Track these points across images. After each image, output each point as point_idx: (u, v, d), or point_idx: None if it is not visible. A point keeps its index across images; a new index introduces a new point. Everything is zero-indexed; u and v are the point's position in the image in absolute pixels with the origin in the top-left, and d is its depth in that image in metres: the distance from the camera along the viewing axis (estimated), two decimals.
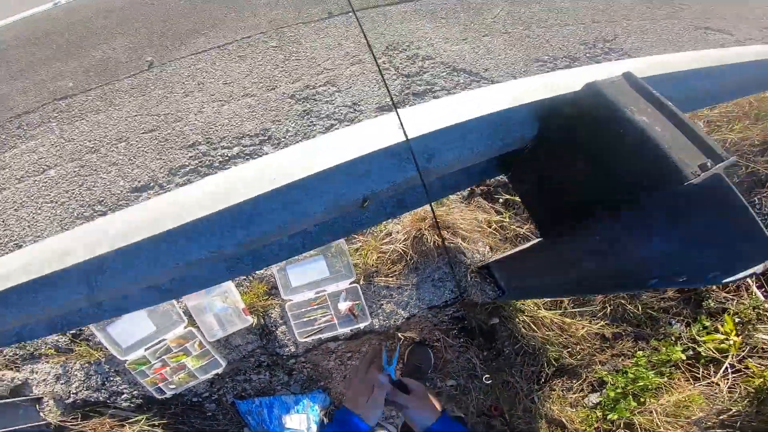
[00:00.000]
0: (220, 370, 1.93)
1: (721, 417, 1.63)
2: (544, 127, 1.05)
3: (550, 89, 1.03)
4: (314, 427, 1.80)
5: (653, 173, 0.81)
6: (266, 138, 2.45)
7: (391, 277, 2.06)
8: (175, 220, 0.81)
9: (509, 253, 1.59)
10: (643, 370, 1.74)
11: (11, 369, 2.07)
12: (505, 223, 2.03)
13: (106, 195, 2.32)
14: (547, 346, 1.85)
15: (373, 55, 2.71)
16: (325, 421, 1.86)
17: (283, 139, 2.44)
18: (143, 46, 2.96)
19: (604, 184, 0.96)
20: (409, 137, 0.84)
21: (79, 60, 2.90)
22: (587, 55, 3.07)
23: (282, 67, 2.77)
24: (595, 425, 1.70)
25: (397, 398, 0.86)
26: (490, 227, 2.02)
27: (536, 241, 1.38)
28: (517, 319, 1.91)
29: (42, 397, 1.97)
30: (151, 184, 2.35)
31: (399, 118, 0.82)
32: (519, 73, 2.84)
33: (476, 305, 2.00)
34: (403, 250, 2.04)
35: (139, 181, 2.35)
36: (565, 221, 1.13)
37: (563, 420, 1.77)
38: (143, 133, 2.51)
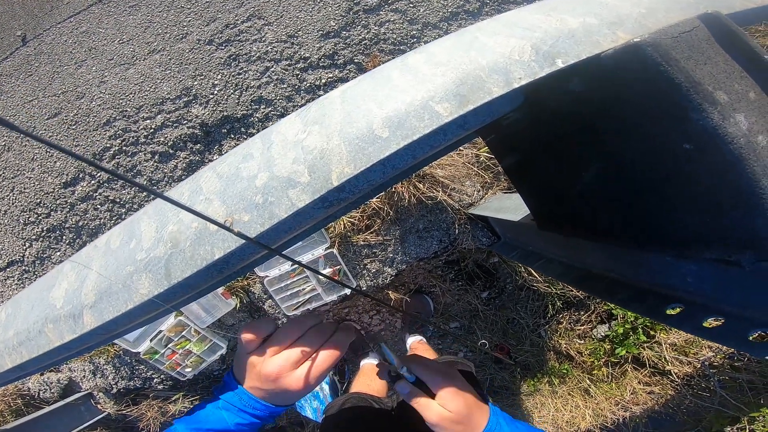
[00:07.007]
0: (224, 351, 1.97)
1: (730, 358, 1.47)
2: (531, 102, 0.57)
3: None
4: (326, 388, 1.89)
5: (742, 226, 0.40)
6: (190, 98, 1.90)
7: (370, 234, 1.80)
8: None
9: (497, 217, 1.23)
10: None
11: (52, 371, 2.26)
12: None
13: (40, 196, 2.06)
14: (551, 288, 1.65)
15: None
16: (337, 380, 1.94)
17: (210, 96, 1.89)
18: (6, 19, 2.26)
19: (632, 207, 0.55)
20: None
21: None
22: None
23: (189, 8, 1.98)
24: (604, 358, 1.63)
25: (426, 413, 0.54)
26: (478, 161, 1.58)
27: (526, 215, 1.01)
28: (516, 264, 1.67)
29: (91, 392, 2.18)
30: (81, 176, 2.02)
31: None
32: None
33: (471, 250, 1.75)
34: (377, 206, 1.71)
35: (67, 174, 2.02)
36: (568, 225, 0.74)
37: (571, 352, 1.70)
38: (48, 119, 2.05)
